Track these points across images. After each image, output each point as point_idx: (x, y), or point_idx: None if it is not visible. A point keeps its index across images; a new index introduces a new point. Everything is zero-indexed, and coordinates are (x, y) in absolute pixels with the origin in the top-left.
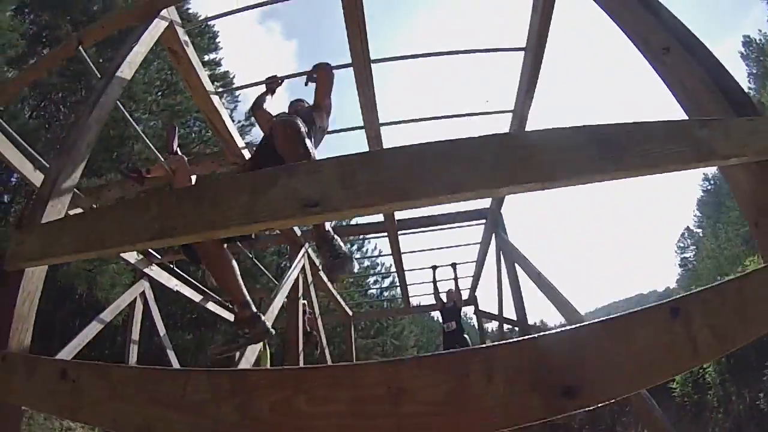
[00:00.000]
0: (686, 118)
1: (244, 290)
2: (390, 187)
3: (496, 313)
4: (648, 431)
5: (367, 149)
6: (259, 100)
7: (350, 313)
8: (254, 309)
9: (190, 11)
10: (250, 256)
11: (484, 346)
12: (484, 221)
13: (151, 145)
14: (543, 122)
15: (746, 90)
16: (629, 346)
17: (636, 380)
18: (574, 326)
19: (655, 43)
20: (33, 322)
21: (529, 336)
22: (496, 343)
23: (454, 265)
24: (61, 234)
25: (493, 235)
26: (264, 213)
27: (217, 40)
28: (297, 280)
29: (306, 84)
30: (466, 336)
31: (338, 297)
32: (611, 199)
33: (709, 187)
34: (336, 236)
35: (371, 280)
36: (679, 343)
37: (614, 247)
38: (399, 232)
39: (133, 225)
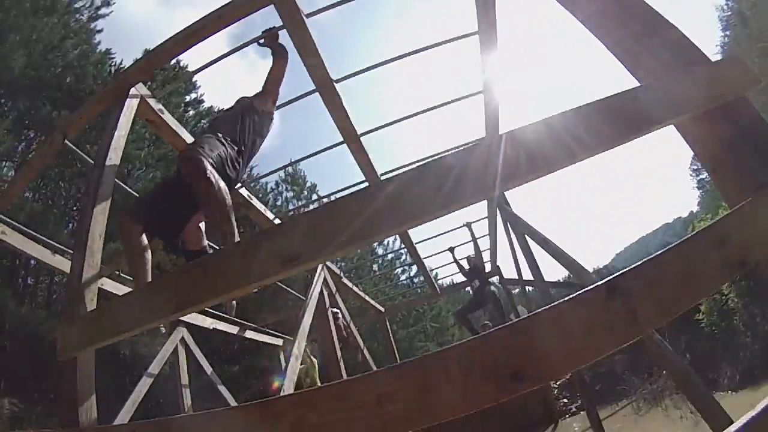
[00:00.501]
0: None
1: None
2: (353, 230)
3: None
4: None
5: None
6: None
7: (382, 309)
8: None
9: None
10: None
11: (440, 350)
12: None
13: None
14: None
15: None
16: (569, 329)
17: (578, 358)
18: (519, 319)
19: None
20: (94, 395)
21: (477, 336)
22: (447, 346)
23: (468, 225)
24: (101, 321)
25: (497, 209)
26: (255, 273)
27: (194, 79)
28: (321, 293)
29: (261, 45)
30: (492, 288)
31: (366, 297)
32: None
33: None
34: None
35: (399, 270)
36: (618, 320)
37: (631, 184)
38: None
39: (158, 303)
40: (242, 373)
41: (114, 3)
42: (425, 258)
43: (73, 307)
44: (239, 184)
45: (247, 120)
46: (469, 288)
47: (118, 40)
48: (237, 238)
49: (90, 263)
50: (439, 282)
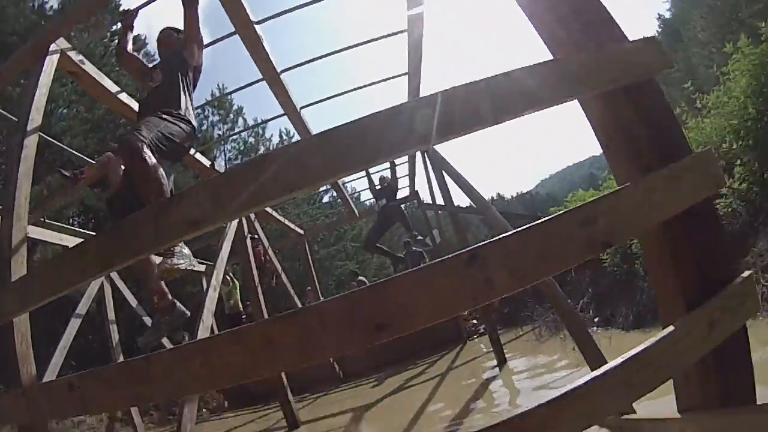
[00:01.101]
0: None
1: (163, 284)
2: (248, 197)
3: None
4: (557, 310)
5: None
6: (121, 45)
7: (302, 232)
8: (170, 297)
9: None
10: None
11: (319, 303)
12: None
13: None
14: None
15: None
16: (430, 289)
17: (436, 314)
18: (387, 278)
19: None
20: (32, 353)
21: (350, 291)
22: (327, 299)
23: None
24: (32, 284)
25: None
26: (165, 235)
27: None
28: (240, 220)
29: None
30: (401, 207)
31: (286, 222)
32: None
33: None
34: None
35: (322, 191)
36: (476, 284)
37: (564, 113)
38: None
39: (84, 265)
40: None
41: None
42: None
43: (5, 274)
44: (193, 150)
45: (183, 84)
46: (376, 206)
47: None
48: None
49: (18, 228)
50: (364, 203)
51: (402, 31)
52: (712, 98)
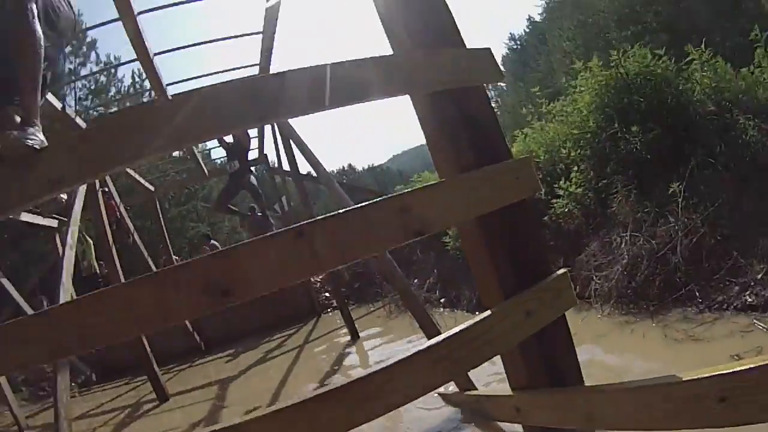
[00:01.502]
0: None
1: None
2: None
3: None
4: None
5: None
6: None
7: (152, 188)
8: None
9: None
10: None
11: (176, 265)
12: None
13: None
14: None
15: None
16: (265, 260)
17: (274, 283)
18: (230, 247)
19: None
20: None
21: (199, 258)
22: (181, 263)
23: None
24: None
25: None
26: (27, 194)
27: None
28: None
29: None
30: (252, 179)
31: (136, 176)
32: None
33: (515, 46)
34: None
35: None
36: (303, 257)
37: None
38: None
39: None
40: (21, 263)
41: None
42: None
43: None
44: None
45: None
46: (228, 167)
47: None
48: (37, 116)
49: None
50: (215, 161)
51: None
52: (557, 106)
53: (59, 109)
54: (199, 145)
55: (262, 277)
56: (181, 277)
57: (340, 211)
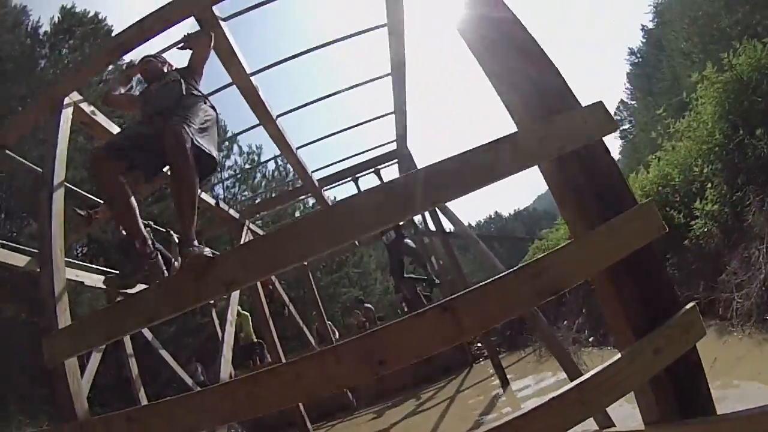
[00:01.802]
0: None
1: (142, 228)
2: (262, 261)
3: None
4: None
5: None
6: (111, 89)
7: (305, 262)
8: (152, 248)
9: None
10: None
11: (338, 344)
12: (396, 161)
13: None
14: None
15: None
16: (415, 333)
17: (421, 352)
18: (385, 324)
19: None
20: (85, 390)
21: (360, 335)
22: (343, 341)
23: (377, 171)
24: (79, 333)
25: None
26: (204, 294)
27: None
28: None
29: (182, 48)
30: (407, 241)
31: None
32: None
33: (636, 61)
34: None
35: None
36: (448, 328)
37: None
38: (323, 190)
39: (126, 321)
40: (178, 333)
41: None
42: None
43: (52, 323)
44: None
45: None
46: (384, 239)
47: None
48: (194, 231)
49: (58, 278)
50: None
51: (387, 75)
52: (684, 123)
53: (213, 204)
54: None
55: (413, 348)
56: (342, 352)
57: (480, 284)
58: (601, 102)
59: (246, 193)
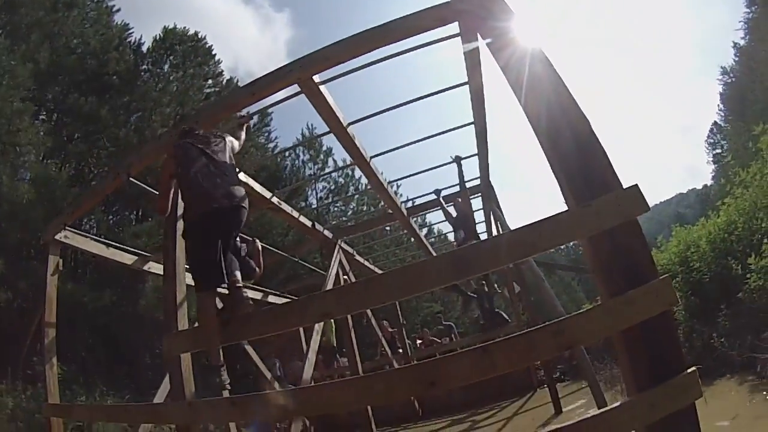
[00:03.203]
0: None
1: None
2: (353, 301)
3: None
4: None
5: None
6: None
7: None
8: (222, 365)
9: None
10: (296, 258)
11: (400, 368)
12: (479, 194)
13: None
14: None
15: None
16: (459, 366)
17: (467, 379)
18: (436, 358)
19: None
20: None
21: (412, 364)
22: (401, 367)
23: (457, 159)
24: (194, 337)
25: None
26: (306, 320)
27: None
28: (338, 273)
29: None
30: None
31: (372, 267)
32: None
33: (729, 81)
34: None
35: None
36: (485, 365)
37: (646, 151)
38: (411, 218)
39: (233, 332)
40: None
41: None
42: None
43: (172, 324)
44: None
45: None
46: (453, 240)
47: (131, 3)
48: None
49: (179, 290)
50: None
51: (464, 83)
52: (752, 171)
53: (309, 226)
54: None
55: (457, 376)
56: (403, 374)
57: (510, 335)
58: (636, 185)
59: (339, 203)
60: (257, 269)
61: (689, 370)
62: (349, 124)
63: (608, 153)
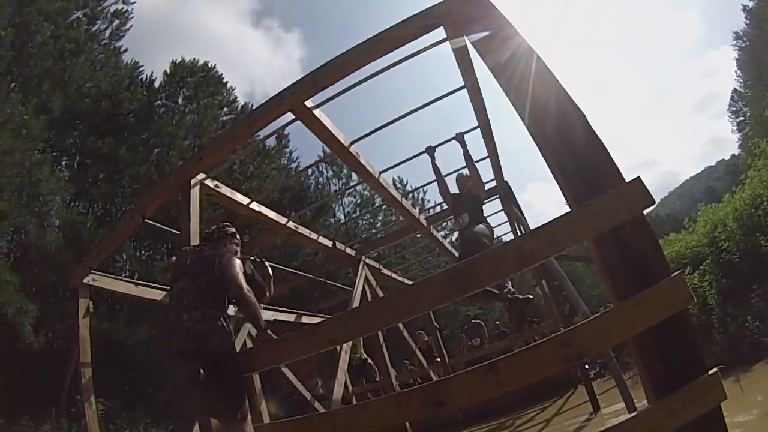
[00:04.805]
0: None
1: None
2: (357, 326)
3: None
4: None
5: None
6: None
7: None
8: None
9: None
10: (322, 279)
11: (409, 390)
12: (497, 196)
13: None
14: None
15: None
16: (465, 385)
17: (471, 399)
18: (443, 378)
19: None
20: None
21: (421, 385)
22: (410, 389)
23: (460, 137)
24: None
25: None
26: (313, 347)
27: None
28: (364, 289)
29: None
30: (480, 227)
31: (399, 278)
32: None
33: (743, 45)
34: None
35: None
36: (491, 383)
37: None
38: (431, 227)
39: (271, 356)
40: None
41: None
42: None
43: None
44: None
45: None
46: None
47: (140, 39)
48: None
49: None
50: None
51: (461, 87)
52: None
53: (330, 246)
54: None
55: (463, 395)
56: (412, 396)
57: (516, 350)
58: (638, 178)
59: (367, 216)
60: (267, 293)
61: (710, 372)
62: (351, 143)
63: (608, 148)
